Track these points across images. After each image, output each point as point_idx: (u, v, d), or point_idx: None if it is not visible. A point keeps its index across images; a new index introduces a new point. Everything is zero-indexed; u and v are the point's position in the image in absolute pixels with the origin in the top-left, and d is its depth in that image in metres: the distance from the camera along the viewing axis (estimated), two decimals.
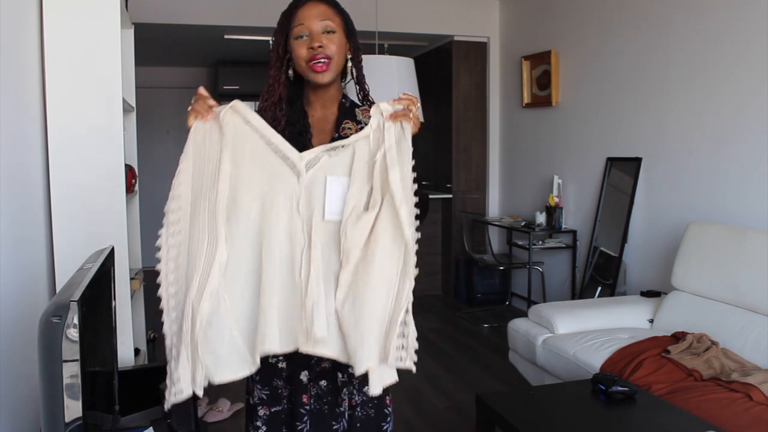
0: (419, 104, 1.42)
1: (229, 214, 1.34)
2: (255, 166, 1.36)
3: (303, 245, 1.35)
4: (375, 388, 1.33)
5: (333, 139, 1.53)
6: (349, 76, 1.62)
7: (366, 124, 1.56)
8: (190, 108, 1.38)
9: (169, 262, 1.34)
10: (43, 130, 2.26)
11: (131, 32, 2.96)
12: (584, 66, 4.43)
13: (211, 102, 1.38)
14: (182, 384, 1.30)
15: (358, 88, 1.62)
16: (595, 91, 4.31)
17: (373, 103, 1.62)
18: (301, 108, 1.56)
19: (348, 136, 1.53)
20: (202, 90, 1.38)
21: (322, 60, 1.48)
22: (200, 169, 1.37)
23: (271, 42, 1.58)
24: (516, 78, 5.26)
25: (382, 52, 5.12)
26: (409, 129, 1.37)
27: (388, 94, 4.79)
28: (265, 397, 1.54)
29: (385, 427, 1.58)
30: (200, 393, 1.31)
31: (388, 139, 1.36)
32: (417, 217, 1.37)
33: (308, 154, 1.39)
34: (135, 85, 3.03)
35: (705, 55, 3.38)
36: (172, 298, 1.33)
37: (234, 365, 1.34)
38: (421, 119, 4.27)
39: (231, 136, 1.37)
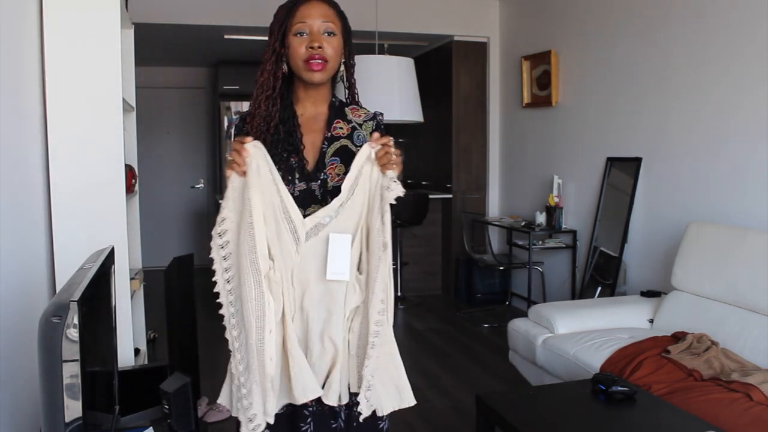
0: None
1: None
2: (269, 225, 1.41)
3: (292, 313, 1.43)
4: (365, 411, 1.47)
5: (325, 138, 1.55)
6: (338, 78, 1.61)
7: (356, 124, 1.57)
8: (229, 159, 1.40)
9: (229, 306, 1.42)
10: (43, 130, 2.26)
11: (131, 32, 2.96)
12: (584, 66, 4.43)
13: (245, 153, 1.38)
14: (258, 419, 1.39)
15: (348, 92, 1.62)
16: (595, 91, 4.31)
17: (360, 104, 1.63)
18: (290, 106, 1.56)
19: (340, 136, 1.54)
20: (245, 146, 1.38)
21: (319, 60, 1.48)
22: (240, 216, 1.41)
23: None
24: (516, 78, 5.26)
25: (382, 52, 5.12)
26: (393, 174, 1.42)
27: (388, 94, 4.78)
28: None
29: (381, 426, 1.59)
30: (272, 421, 1.41)
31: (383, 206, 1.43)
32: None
33: (311, 220, 1.42)
34: (135, 85, 3.03)
35: (705, 54, 3.38)
36: (236, 341, 1.42)
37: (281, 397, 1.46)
38: (421, 120, 4.23)
39: (259, 185, 1.40)
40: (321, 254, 1.42)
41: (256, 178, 1.38)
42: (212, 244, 1.42)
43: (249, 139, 1.38)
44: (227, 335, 1.43)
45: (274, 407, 1.40)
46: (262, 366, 1.36)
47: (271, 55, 1.51)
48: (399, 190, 1.41)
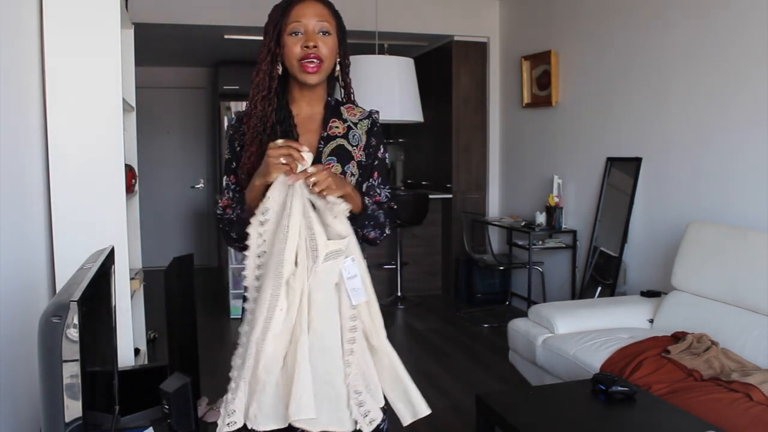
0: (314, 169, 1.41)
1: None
2: (301, 235, 1.39)
3: (300, 333, 1.39)
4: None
5: (321, 138, 1.55)
6: (334, 78, 1.62)
7: (352, 123, 1.58)
8: (276, 160, 1.36)
9: (251, 302, 1.42)
10: (43, 130, 2.26)
11: (131, 32, 2.96)
12: (584, 66, 4.43)
13: (304, 162, 1.37)
14: (237, 416, 1.37)
15: (343, 91, 1.63)
16: (595, 91, 4.31)
17: (356, 103, 1.63)
18: (285, 106, 1.56)
19: (336, 136, 1.55)
20: (302, 153, 1.37)
21: (314, 61, 1.48)
22: (280, 215, 1.40)
23: None
24: (516, 78, 5.26)
25: (382, 52, 5.12)
26: (332, 198, 1.40)
27: (388, 94, 4.78)
28: None
29: (381, 426, 1.59)
30: (250, 426, 1.37)
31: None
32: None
33: (335, 244, 1.39)
34: (135, 85, 3.03)
35: (705, 54, 3.38)
36: (243, 336, 1.41)
37: (276, 417, 1.40)
38: (421, 120, 4.24)
39: (301, 195, 1.39)
40: (334, 279, 1.41)
41: (300, 186, 1.38)
42: (250, 230, 1.39)
43: (305, 147, 1.37)
44: (240, 329, 1.42)
45: (256, 411, 1.36)
46: (256, 365, 1.36)
47: (267, 55, 1.51)
48: (342, 208, 1.40)
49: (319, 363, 1.40)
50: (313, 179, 1.37)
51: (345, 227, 1.42)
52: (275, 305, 1.35)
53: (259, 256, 1.41)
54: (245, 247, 1.43)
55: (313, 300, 1.39)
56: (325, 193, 1.39)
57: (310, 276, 1.39)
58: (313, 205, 1.40)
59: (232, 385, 1.38)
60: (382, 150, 1.63)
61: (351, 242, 1.43)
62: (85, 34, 2.26)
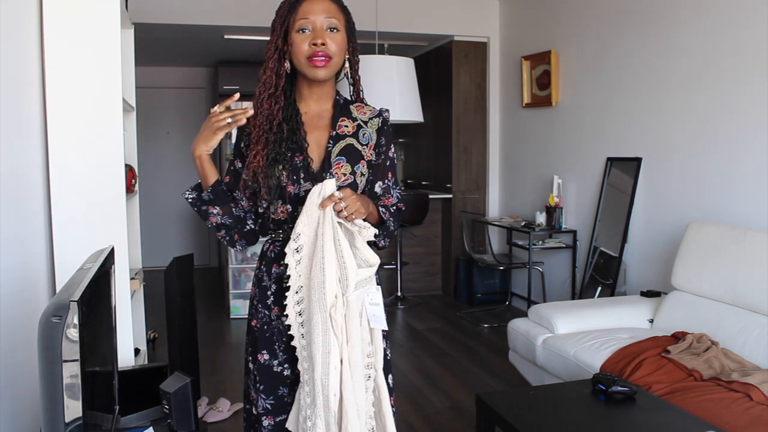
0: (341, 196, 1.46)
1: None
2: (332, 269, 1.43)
3: (340, 357, 1.43)
4: None
5: (330, 137, 1.53)
6: (342, 74, 1.60)
7: (362, 121, 1.58)
8: (222, 122, 1.41)
9: (301, 339, 1.44)
10: (43, 130, 2.26)
11: (131, 32, 2.96)
12: (584, 66, 4.42)
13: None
14: None
15: (352, 88, 1.61)
16: (595, 91, 4.31)
17: (365, 101, 1.64)
18: (293, 103, 1.54)
19: (345, 135, 1.53)
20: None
21: (322, 57, 1.47)
22: (313, 247, 1.43)
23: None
24: (516, 78, 5.26)
25: (382, 52, 5.12)
26: (360, 222, 1.46)
27: (388, 94, 4.77)
28: (269, 407, 1.54)
29: None
30: None
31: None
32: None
33: (366, 272, 1.43)
34: (135, 85, 3.03)
35: (705, 54, 3.38)
36: (305, 373, 1.44)
37: None
38: (421, 120, 4.26)
39: (331, 221, 1.42)
40: (360, 308, 1.45)
41: (330, 211, 1.41)
42: (288, 261, 1.43)
43: (250, 110, 1.42)
44: (299, 366, 1.46)
45: None
46: (327, 401, 1.39)
47: (274, 52, 1.49)
48: (372, 232, 1.45)
49: (356, 392, 1.45)
50: (342, 204, 1.40)
51: (371, 252, 1.45)
52: (328, 339, 1.38)
53: (297, 292, 1.43)
54: (230, 237, 1.52)
55: (350, 332, 1.42)
56: (354, 217, 1.42)
57: (344, 306, 1.41)
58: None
59: (309, 423, 1.41)
60: (392, 149, 1.63)
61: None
62: (86, 33, 2.26)
